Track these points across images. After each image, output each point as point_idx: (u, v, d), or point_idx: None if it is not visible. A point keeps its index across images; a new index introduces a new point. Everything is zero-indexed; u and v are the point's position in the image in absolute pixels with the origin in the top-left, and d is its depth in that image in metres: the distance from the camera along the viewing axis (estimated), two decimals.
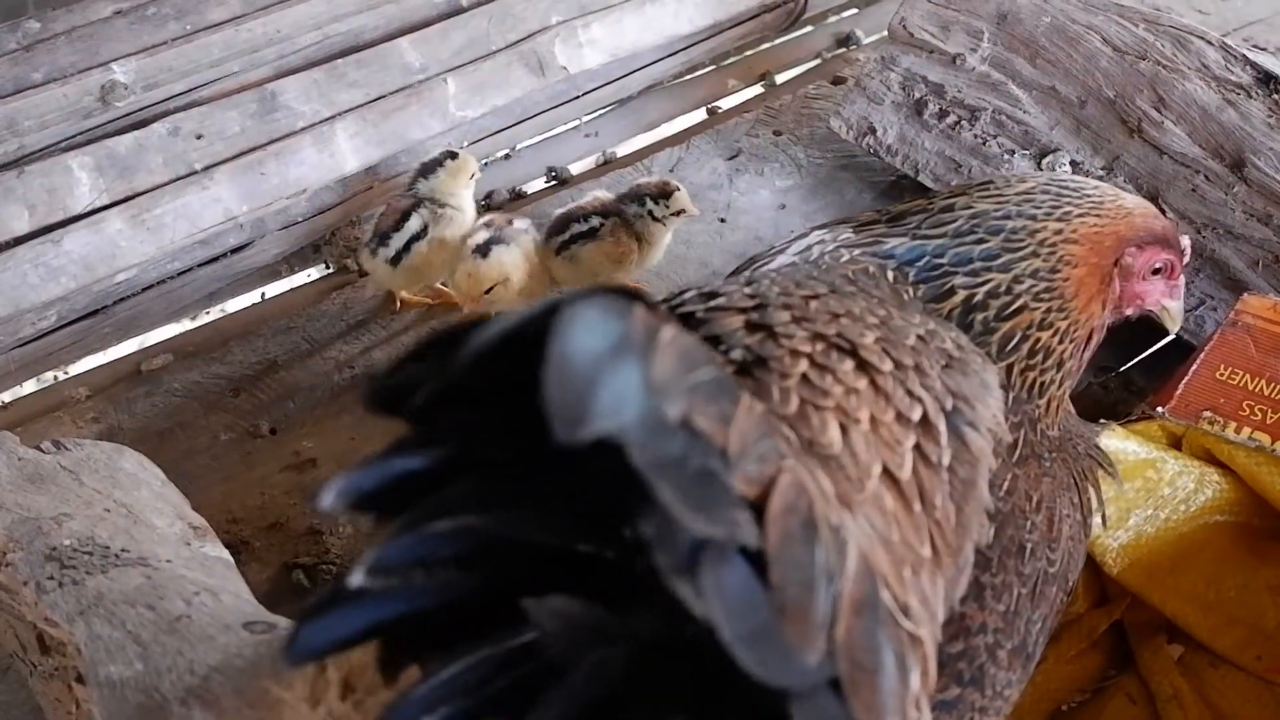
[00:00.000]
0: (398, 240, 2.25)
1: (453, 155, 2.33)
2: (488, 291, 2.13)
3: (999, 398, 1.34)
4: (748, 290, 1.29)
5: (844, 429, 1.10)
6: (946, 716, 1.26)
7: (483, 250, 2.13)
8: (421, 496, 0.81)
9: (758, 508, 0.81)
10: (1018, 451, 1.35)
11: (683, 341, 0.83)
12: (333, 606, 0.82)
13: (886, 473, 1.10)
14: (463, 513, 0.81)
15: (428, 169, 2.33)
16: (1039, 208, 1.48)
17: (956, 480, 1.19)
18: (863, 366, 1.19)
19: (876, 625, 0.88)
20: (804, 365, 1.14)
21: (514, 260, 2.15)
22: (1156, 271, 1.55)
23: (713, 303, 1.24)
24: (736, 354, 1.14)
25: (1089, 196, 1.50)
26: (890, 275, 1.51)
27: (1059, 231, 1.46)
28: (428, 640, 0.84)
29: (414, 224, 2.26)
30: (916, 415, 1.18)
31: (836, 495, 1.01)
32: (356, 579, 0.79)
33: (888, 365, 1.21)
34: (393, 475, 0.82)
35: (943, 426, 1.20)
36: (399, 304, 2.38)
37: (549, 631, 0.80)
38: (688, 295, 1.29)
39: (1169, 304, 1.60)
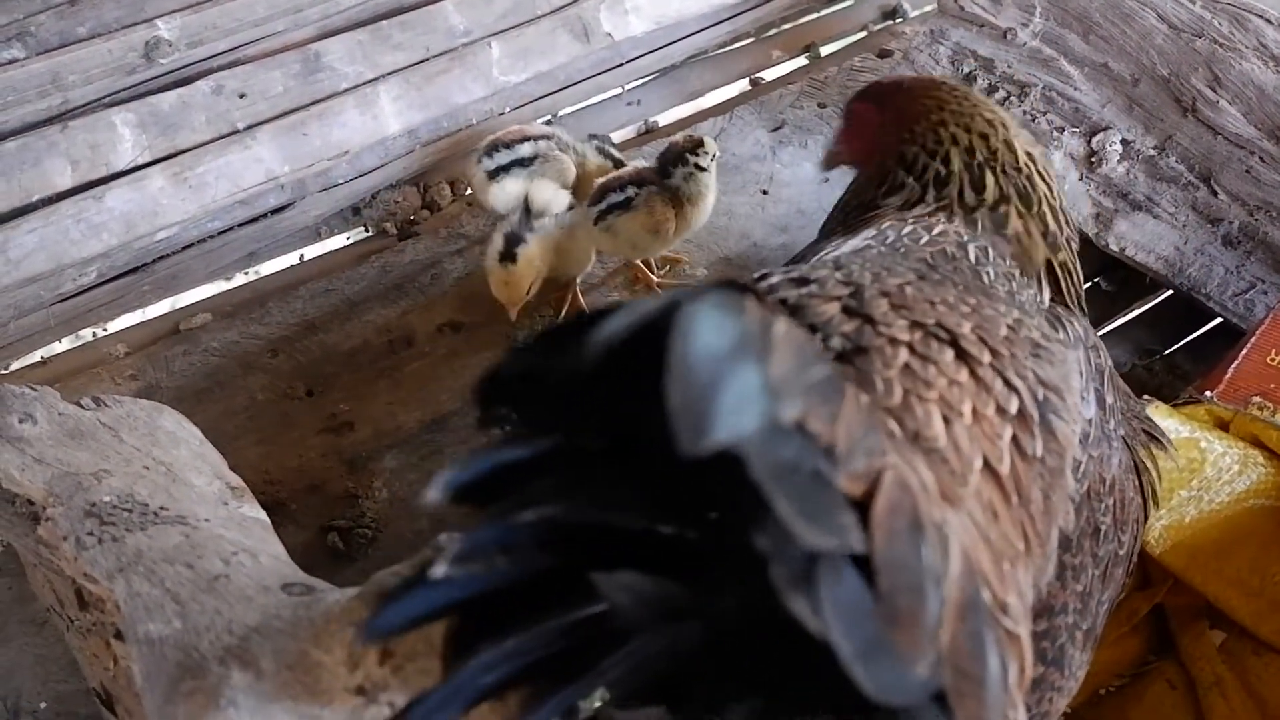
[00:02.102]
0: (502, 157, 2.32)
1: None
2: (529, 290, 2.13)
3: (1079, 384, 1.34)
4: (839, 276, 1.28)
5: (947, 421, 1.09)
6: (1029, 696, 1.25)
7: (509, 257, 2.11)
8: (519, 487, 0.83)
9: (862, 505, 0.80)
10: (1091, 434, 1.34)
11: (796, 336, 0.81)
12: (412, 589, 0.84)
13: (987, 466, 1.10)
14: (548, 502, 0.81)
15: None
16: None
17: (1045, 470, 1.18)
18: (962, 356, 1.18)
19: (982, 629, 0.87)
20: (905, 354, 1.14)
21: (542, 251, 2.14)
22: None
23: (805, 289, 1.22)
24: (835, 343, 1.13)
25: None
26: (972, 254, 1.51)
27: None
28: (500, 616, 0.83)
29: (525, 149, 2.32)
30: (1014, 407, 1.18)
31: (940, 491, 1.00)
32: (439, 570, 0.81)
33: (986, 356, 1.20)
34: (493, 467, 0.84)
35: (1036, 417, 1.20)
36: None
37: (618, 606, 0.79)
38: (775, 279, 1.27)
39: None
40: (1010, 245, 1.61)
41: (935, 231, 1.57)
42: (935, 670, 0.79)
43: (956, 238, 1.57)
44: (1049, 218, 1.67)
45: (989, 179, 1.67)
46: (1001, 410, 1.17)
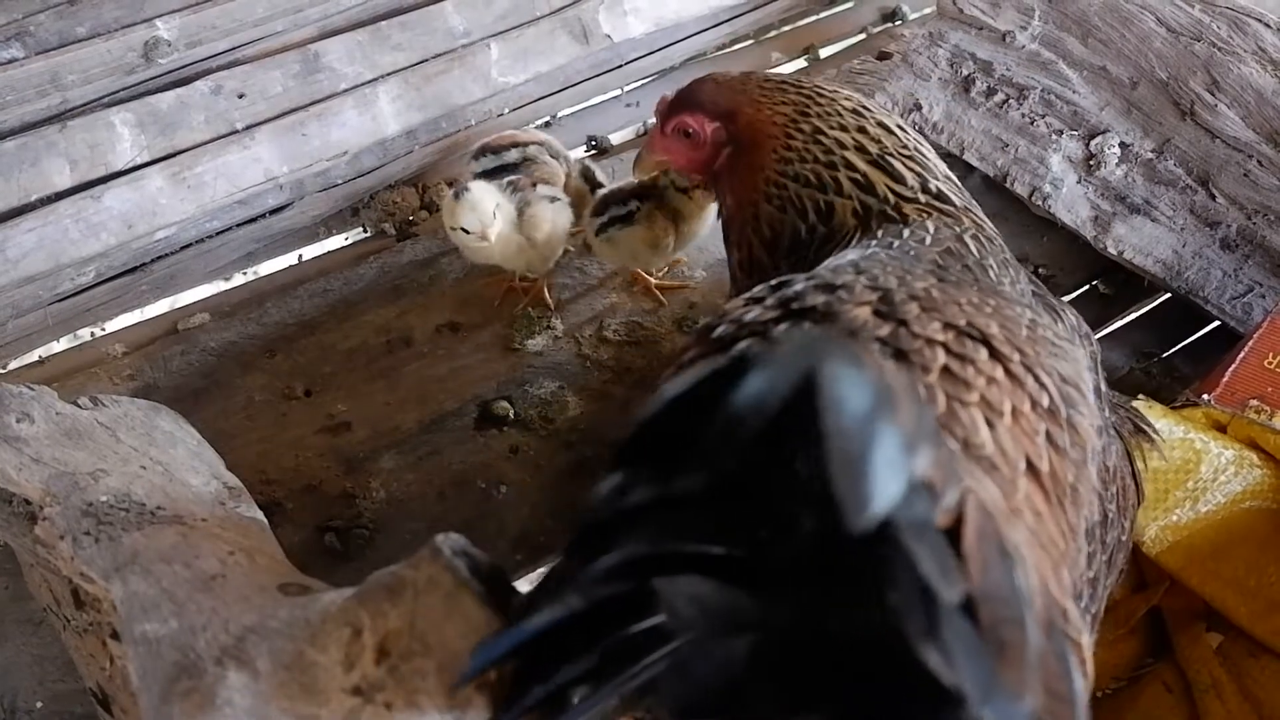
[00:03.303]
0: (488, 161, 2.33)
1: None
2: (467, 232, 2.10)
3: (1090, 379, 1.34)
4: (864, 281, 1.27)
5: (990, 424, 1.09)
6: None
7: (462, 189, 2.10)
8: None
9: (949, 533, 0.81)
10: (1099, 424, 1.35)
11: (905, 380, 0.82)
12: (504, 634, 0.87)
13: (1030, 466, 1.10)
14: (631, 544, 0.81)
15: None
16: None
17: (1073, 464, 1.19)
18: (996, 355, 1.18)
19: (1065, 648, 0.86)
20: (943, 356, 1.14)
21: (494, 191, 2.13)
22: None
23: (833, 295, 1.22)
24: (874, 349, 1.12)
25: None
26: (972, 248, 1.51)
27: None
28: (565, 639, 0.84)
29: (512, 155, 2.33)
30: (1045, 403, 1.18)
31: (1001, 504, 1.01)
32: (537, 621, 0.83)
33: (1016, 355, 1.20)
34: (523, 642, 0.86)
35: (1065, 413, 1.20)
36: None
37: (680, 615, 0.78)
38: (798, 286, 1.27)
39: None
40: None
41: (933, 230, 1.56)
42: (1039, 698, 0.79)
43: (951, 232, 1.57)
44: (948, 185, 1.70)
45: (899, 169, 1.67)
46: (1036, 406, 1.17)
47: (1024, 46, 2.45)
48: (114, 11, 2.28)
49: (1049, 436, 1.16)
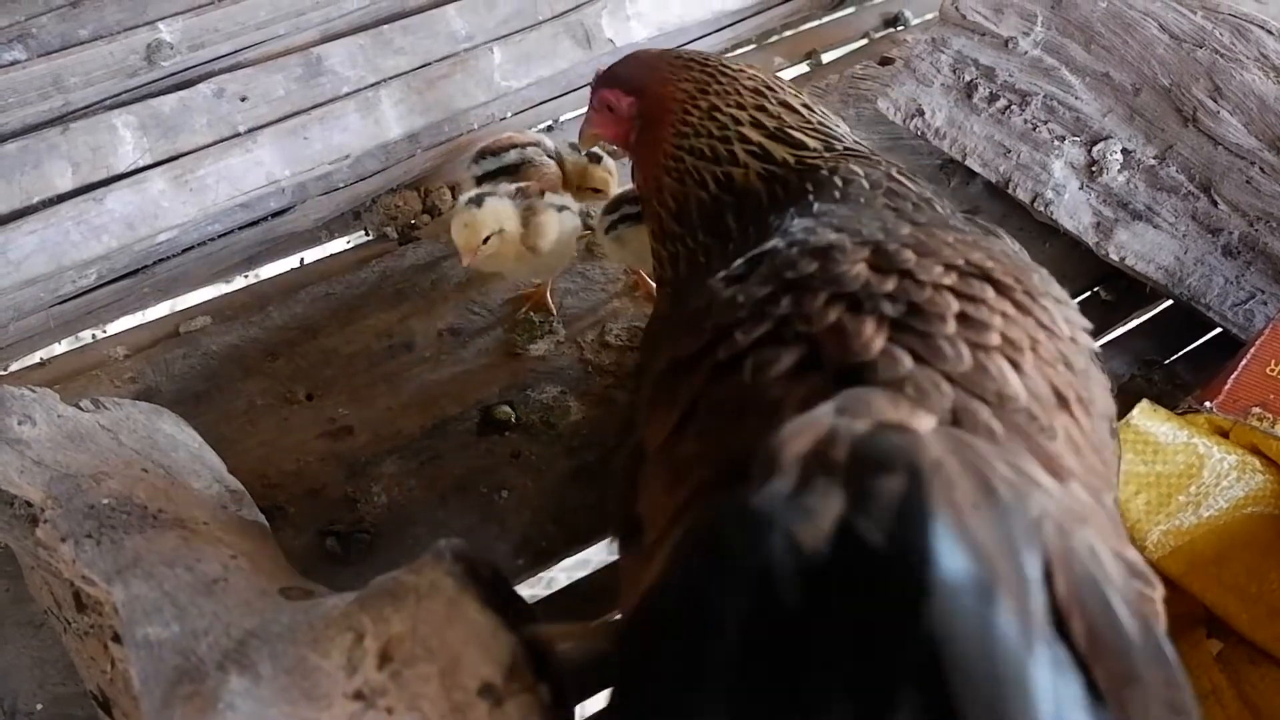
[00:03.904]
0: (489, 164, 2.37)
1: (595, 158, 2.44)
2: (485, 241, 2.10)
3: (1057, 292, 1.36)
4: (849, 236, 1.28)
5: (1016, 365, 1.11)
6: None
7: (477, 201, 2.12)
8: None
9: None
10: None
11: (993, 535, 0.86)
12: None
13: (1059, 396, 1.13)
14: None
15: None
16: None
17: (1087, 378, 1.22)
18: (1000, 289, 1.19)
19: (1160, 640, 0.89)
20: (955, 302, 1.14)
21: (508, 212, 2.13)
22: None
23: (826, 258, 1.22)
24: (888, 309, 1.12)
25: None
26: (911, 187, 1.56)
27: None
28: None
29: (511, 156, 2.38)
30: (1052, 325, 1.21)
31: (1046, 466, 1.02)
32: None
33: (1016, 284, 1.22)
34: None
35: (1067, 330, 1.23)
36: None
37: None
38: (782, 254, 1.27)
39: None
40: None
41: (863, 173, 1.58)
42: None
43: (880, 173, 1.59)
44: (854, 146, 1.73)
45: (800, 138, 1.69)
46: (1048, 331, 1.18)
47: (1026, 53, 2.45)
48: (116, 14, 2.28)
49: (1065, 360, 1.17)
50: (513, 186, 2.21)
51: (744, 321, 1.18)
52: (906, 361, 1.07)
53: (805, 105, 1.77)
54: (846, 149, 1.69)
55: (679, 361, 1.21)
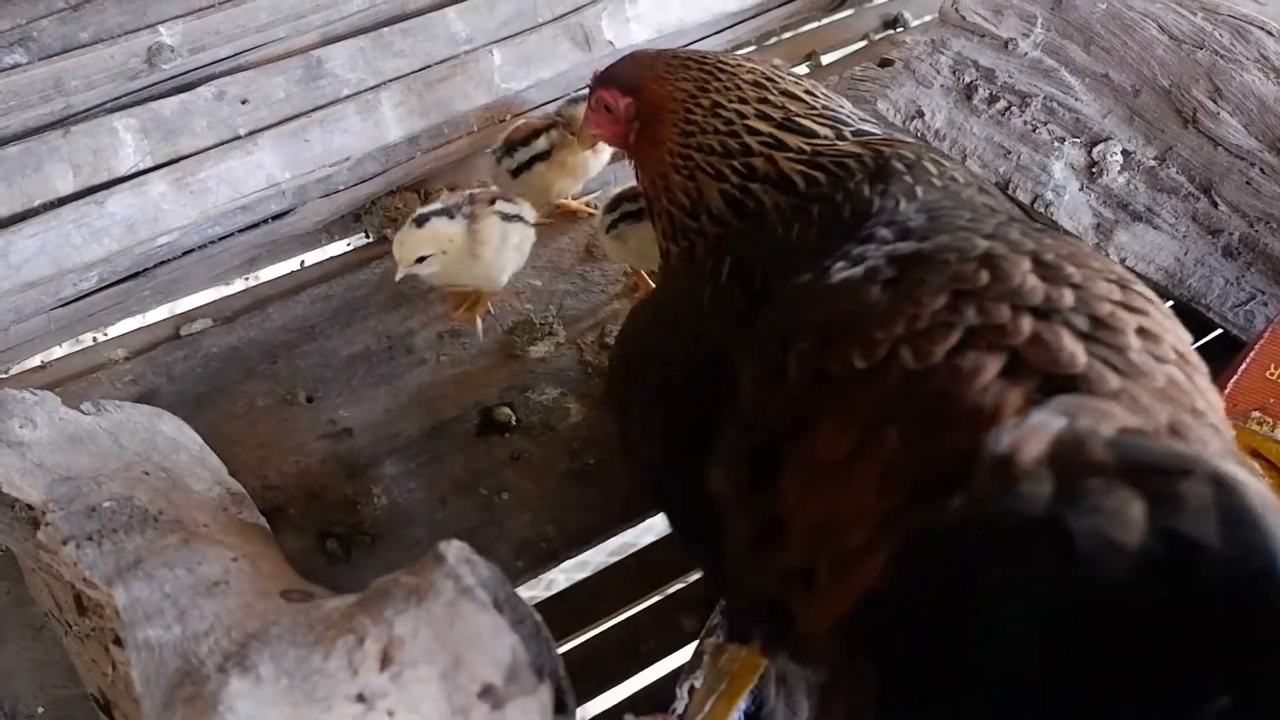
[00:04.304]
0: (522, 154, 2.35)
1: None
2: (421, 260, 2.10)
3: None
4: (1003, 245, 1.28)
5: (1189, 377, 1.12)
6: None
7: (420, 220, 2.11)
8: None
9: None
10: None
11: None
12: None
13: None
14: None
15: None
16: None
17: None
18: (1148, 300, 1.21)
19: None
20: (1129, 316, 1.16)
21: (453, 232, 2.13)
22: None
23: (994, 272, 1.21)
24: (1077, 323, 1.13)
25: None
26: (960, 178, 1.59)
27: None
28: None
29: (541, 144, 2.34)
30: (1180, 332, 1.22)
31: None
32: None
33: (1130, 278, 1.24)
34: None
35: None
36: (557, 209, 2.52)
37: None
38: (950, 258, 1.26)
39: None
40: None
41: (934, 165, 1.59)
42: None
43: (950, 165, 1.61)
44: (867, 125, 1.74)
45: (810, 127, 1.70)
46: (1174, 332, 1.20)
47: (1026, 54, 2.45)
48: (117, 17, 2.28)
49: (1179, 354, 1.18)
50: (466, 193, 2.21)
51: (928, 331, 1.17)
52: (1113, 376, 1.07)
53: (808, 92, 1.77)
54: (856, 132, 1.69)
55: (852, 371, 1.19)
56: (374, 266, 2.39)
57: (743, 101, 1.73)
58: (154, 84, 2.28)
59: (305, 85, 2.37)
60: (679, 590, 1.97)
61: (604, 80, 1.94)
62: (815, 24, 3.11)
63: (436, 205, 2.16)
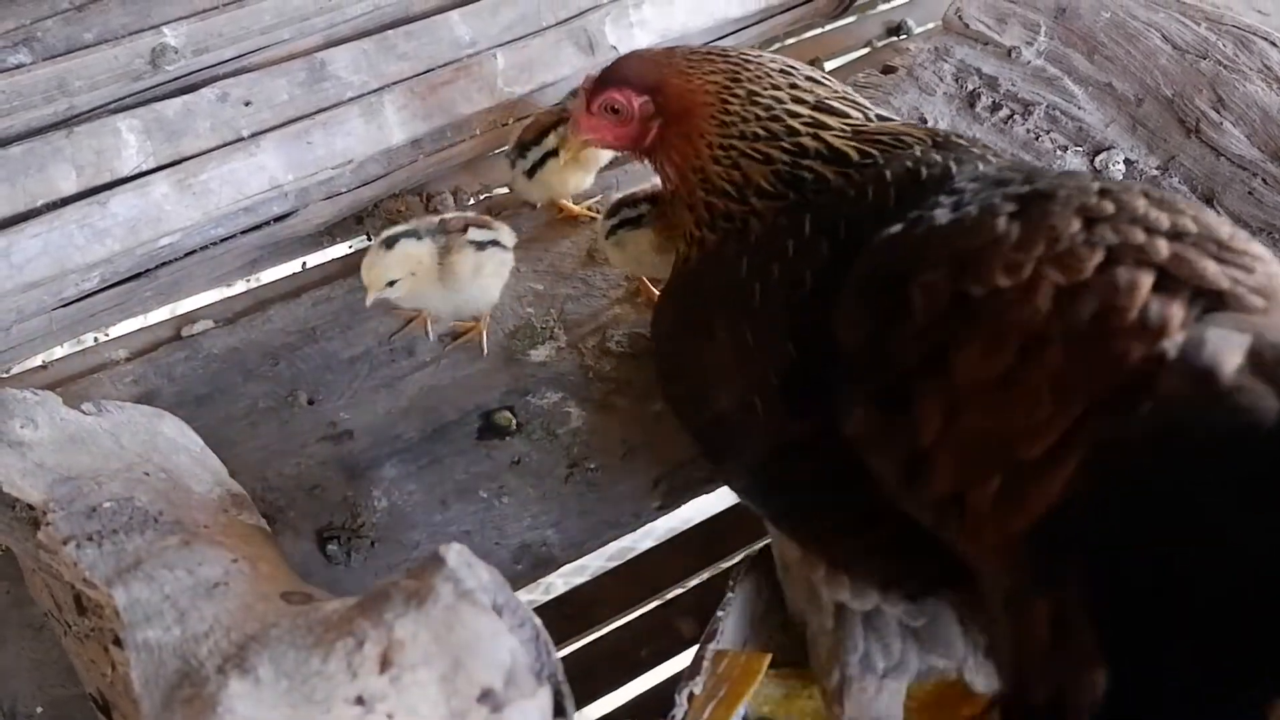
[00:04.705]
0: (534, 154, 2.33)
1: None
2: (390, 284, 2.07)
3: None
4: (1113, 181, 1.39)
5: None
6: None
7: (388, 243, 2.09)
8: None
9: None
10: None
11: None
12: None
13: None
14: None
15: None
16: None
17: None
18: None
19: None
20: (1246, 243, 1.25)
21: (421, 254, 2.10)
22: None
23: (1117, 202, 1.29)
24: (1208, 245, 1.22)
25: None
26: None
27: None
28: None
29: (551, 140, 2.31)
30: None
31: None
32: None
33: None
34: None
35: None
36: (559, 212, 2.50)
37: None
38: (1069, 194, 1.33)
39: None
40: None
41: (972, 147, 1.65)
42: None
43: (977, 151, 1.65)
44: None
45: (841, 108, 1.73)
46: None
47: (1029, 62, 2.46)
48: (121, 18, 2.29)
49: None
50: (436, 219, 2.18)
51: (1072, 250, 1.24)
52: (1250, 295, 1.16)
53: (825, 78, 1.82)
54: (879, 116, 1.75)
55: (996, 292, 1.25)
56: None
57: (776, 88, 1.75)
58: (157, 85, 2.29)
59: (308, 87, 2.37)
60: (678, 595, 1.98)
61: (610, 81, 1.92)
62: (818, 30, 3.11)
63: (404, 226, 2.13)
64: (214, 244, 2.33)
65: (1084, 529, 1.08)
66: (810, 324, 1.45)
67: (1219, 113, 2.27)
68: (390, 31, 2.47)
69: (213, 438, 1.98)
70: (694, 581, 1.98)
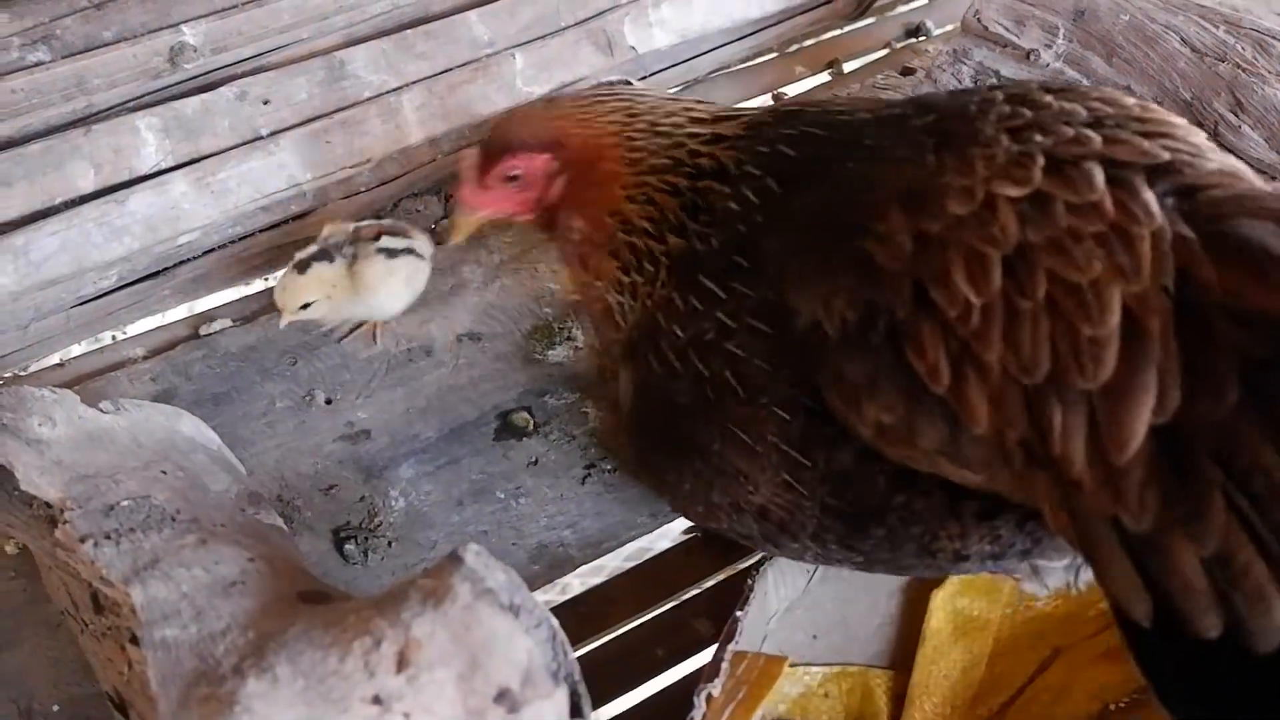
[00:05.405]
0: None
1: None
2: (304, 307, 2.06)
3: None
4: (1003, 86, 1.47)
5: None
6: None
7: (300, 267, 2.07)
8: None
9: None
10: None
11: None
12: None
13: None
14: None
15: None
16: None
17: None
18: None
19: None
20: (1160, 115, 1.35)
21: (334, 277, 2.08)
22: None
23: (1029, 106, 1.36)
24: (1131, 125, 1.30)
25: None
26: None
27: None
28: None
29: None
30: None
31: None
32: None
33: None
34: None
35: None
36: None
37: None
38: (976, 111, 1.39)
39: None
40: None
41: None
42: None
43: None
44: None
45: (734, 112, 1.75)
46: None
47: (1048, 65, 2.45)
48: (141, 16, 2.29)
49: None
50: (351, 228, 2.15)
51: (1013, 163, 1.29)
52: (1198, 160, 1.26)
53: (704, 100, 1.84)
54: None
55: (954, 220, 1.29)
56: None
57: (671, 114, 1.74)
58: (176, 83, 2.29)
59: (327, 86, 2.37)
60: (694, 595, 1.97)
61: (501, 149, 1.83)
62: (837, 31, 3.10)
63: (314, 249, 2.09)
64: (232, 243, 2.33)
65: (1220, 449, 1.10)
66: (781, 371, 1.46)
67: (1237, 116, 2.26)
68: (409, 31, 2.48)
69: (230, 436, 1.98)
70: (710, 582, 1.98)
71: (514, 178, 1.82)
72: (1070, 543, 1.23)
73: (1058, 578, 1.59)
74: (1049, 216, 1.23)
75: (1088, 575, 1.52)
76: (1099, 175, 1.23)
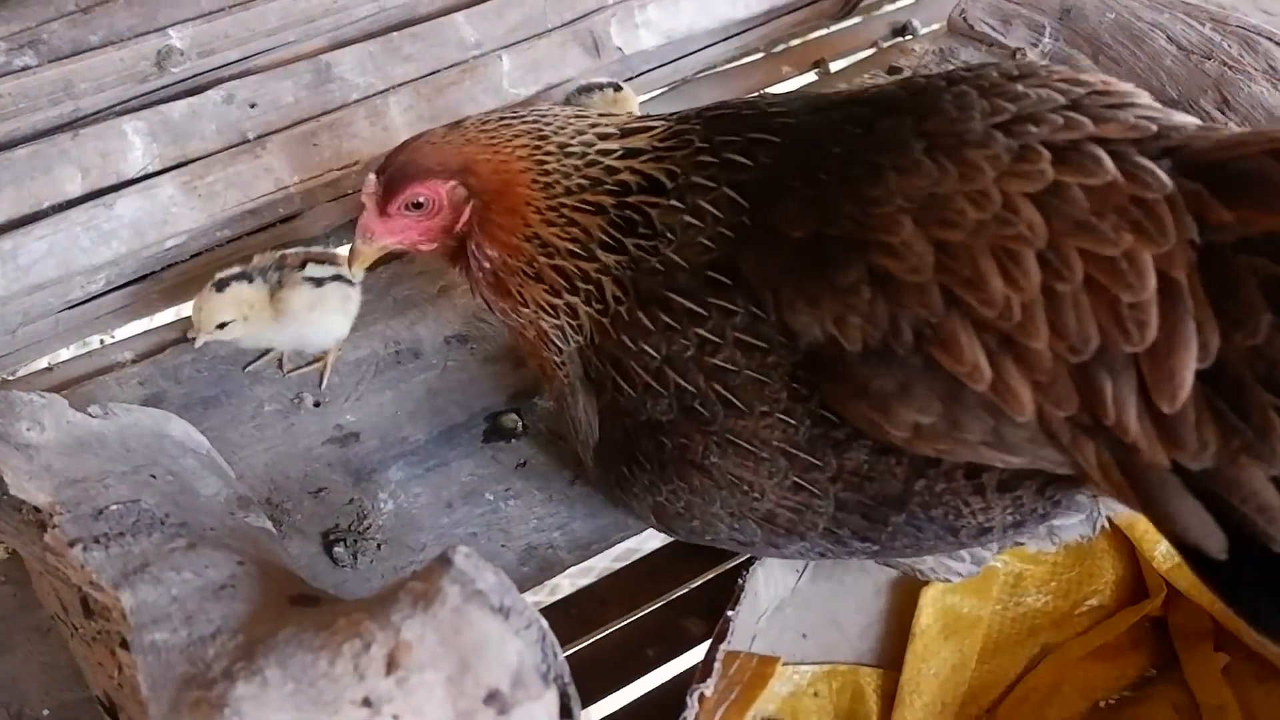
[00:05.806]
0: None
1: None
2: (220, 326, 2.03)
3: None
4: (949, 78, 1.51)
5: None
6: None
7: (219, 285, 2.03)
8: None
9: None
10: None
11: None
12: None
13: None
14: None
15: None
16: None
17: None
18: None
19: None
20: (1120, 86, 1.44)
21: (254, 297, 2.05)
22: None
23: (1005, 97, 1.41)
24: (1099, 100, 1.39)
25: None
26: None
27: None
28: None
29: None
30: None
31: None
32: None
33: None
34: None
35: None
36: None
37: None
38: (962, 103, 1.44)
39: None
40: None
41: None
42: None
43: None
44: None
45: (648, 124, 1.73)
46: None
47: None
48: (127, 20, 2.29)
49: None
50: (278, 254, 2.11)
51: (1021, 159, 1.34)
52: (1182, 119, 1.38)
53: (610, 114, 1.82)
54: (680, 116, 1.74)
55: (975, 224, 1.33)
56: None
57: (580, 133, 1.71)
58: (163, 87, 2.29)
59: (314, 89, 2.37)
60: (684, 595, 1.97)
61: (405, 177, 1.75)
62: (824, 31, 3.11)
63: (237, 268, 2.06)
64: (220, 246, 2.33)
65: (1265, 372, 1.17)
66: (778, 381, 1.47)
67: (1224, 113, 2.27)
68: (396, 33, 2.48)
69: (219, 440, 1.98)
70: (699, 581, 1.98)
71: (418, 205, 1.76)
72: (1125, 502, 1.29)
73: (1073, 533, 1.66)
74: (1070, 203, 1.29)
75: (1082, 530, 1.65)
76: (1104, 155, 1.29)
